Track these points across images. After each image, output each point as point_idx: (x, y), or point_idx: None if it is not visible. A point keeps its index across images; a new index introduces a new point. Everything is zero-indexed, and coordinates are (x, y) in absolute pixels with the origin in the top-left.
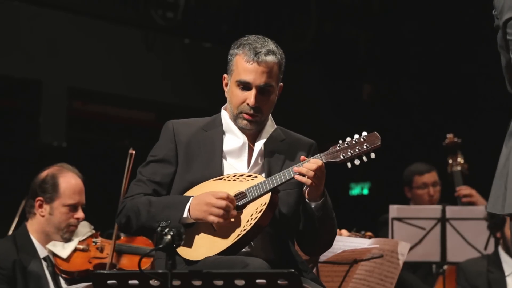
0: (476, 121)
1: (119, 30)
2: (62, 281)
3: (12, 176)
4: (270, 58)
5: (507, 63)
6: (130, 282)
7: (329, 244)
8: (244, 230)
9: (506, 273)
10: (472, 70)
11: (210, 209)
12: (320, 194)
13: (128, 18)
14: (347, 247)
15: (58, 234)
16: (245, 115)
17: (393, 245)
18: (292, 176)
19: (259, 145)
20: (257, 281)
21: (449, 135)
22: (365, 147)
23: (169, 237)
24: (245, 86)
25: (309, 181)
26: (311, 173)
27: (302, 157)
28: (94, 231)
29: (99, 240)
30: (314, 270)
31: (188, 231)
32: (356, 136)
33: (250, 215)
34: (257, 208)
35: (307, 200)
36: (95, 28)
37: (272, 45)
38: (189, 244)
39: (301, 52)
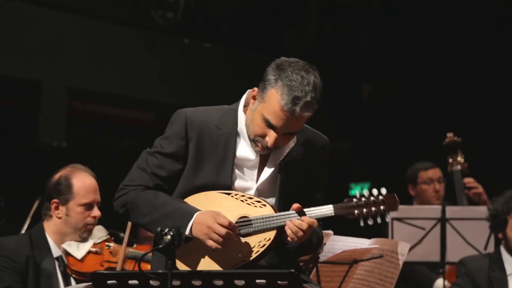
0: (476, 120)
1: (119, 30)
2: (73, 281)
3: (12, 176)
4: (306, 114)
5: None
6: (130, 282)
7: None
8: (244, 261)
9: (508, 273)
10: (472, 70)
11: (210, 234)
12: None
13: (127, 18)
14: (347, 247)
15: (76, 234)
16: (260, 146)
17: (393, 245)
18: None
19: (272, 153)
20: (257, 281)
21: (449, 135)
22: (381, 209)
23: (169, 237)
24: (269, 125)
25: (295, 238)
26: (300, 234)
27: (295, 205)
28: (108, 236)
29: (112, 244)
30: (314, 270)
31: (187, 244)
32: (375, 192)
33: (253, 247)
34: (260, 242)
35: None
36: (95, 28)
37: (313, 94)
38: (185, 259)
39: (301, 52)
